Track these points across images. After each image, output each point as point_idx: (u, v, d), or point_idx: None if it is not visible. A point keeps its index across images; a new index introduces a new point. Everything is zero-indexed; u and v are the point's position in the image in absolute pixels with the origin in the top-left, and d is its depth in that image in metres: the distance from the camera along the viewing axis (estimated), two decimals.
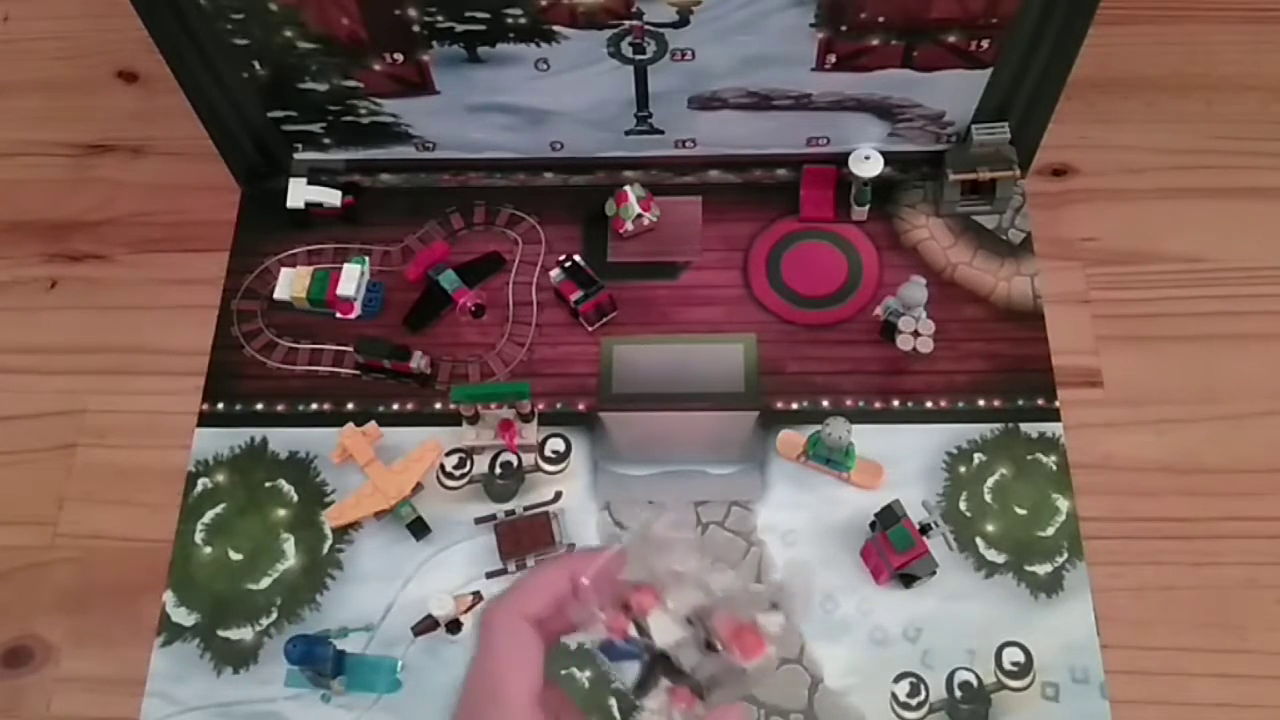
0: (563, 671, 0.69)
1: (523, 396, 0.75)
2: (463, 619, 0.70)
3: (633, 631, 0.40)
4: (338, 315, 0.82)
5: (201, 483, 0.77)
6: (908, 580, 0.71)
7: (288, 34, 0.73)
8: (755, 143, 0.83)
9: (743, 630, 0.40)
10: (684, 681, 0.40)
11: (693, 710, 0.40)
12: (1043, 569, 0.72)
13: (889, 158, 0.81)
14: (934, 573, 0.70)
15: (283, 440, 0.78)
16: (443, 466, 0.76)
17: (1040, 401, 0.77)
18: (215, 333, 0.82)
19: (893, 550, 0.68)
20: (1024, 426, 0.76)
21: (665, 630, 0.40)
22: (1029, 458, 0.75)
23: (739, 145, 0.84)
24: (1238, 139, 0.87)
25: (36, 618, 0.73)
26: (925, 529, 0.69)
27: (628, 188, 0.83)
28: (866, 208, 0.83)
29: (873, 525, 0.71)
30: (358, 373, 0.80)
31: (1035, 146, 0.83)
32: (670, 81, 0.77)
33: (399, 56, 0.75)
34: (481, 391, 0.77)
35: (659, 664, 0.40)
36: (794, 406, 0.78)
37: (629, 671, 0.41)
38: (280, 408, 0.79)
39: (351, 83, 0.77)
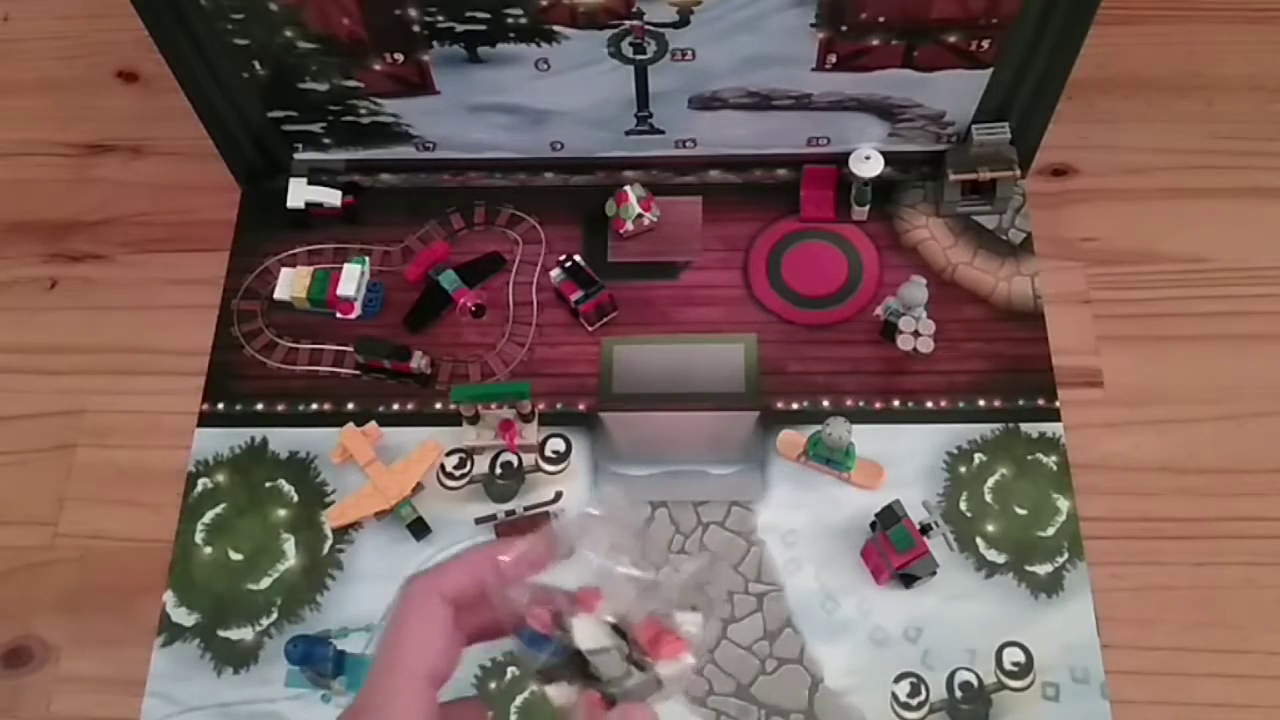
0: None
1: (523, 396, 0.75)
2: None
3: (554, 629, 0.39)
4: (338, 315, 0.82)
5: (202, 483, 0.77)
6: (908, 580, 0.71)
7: (288, 34, 0.73)
8: (755, 143, 0.83)
9: (662, 634, 0.40)
10: (596, 688, 0.39)
11: (601, 714, 0.39)
12: (1043, 569, 0.72)
13: (889, 158, 0.81)
14: (934, 573, 0.70)
15: (283, 440, 0.78)
16: (443, 466, 0.76)
17: (1040, 401, 0.77)
18: (215, 333, 0.82)
19: (893, 550, 0.68)
20: (1024, 426, 0.76)
21: (588, 635, 0.39)
22: (1029, 458, 0.75)
23: (739, 145, 0.84)
24: (1238, 139, 0.87)
25: (36, 618, 0.73)
26: (925, 529, 0.69)
27: (628, 188, 0.83)
28: (867, 208, 0.83)
29: (873, 525, 0.71)
30: (358, 373, 0.80)
31: (1035, 146, 0.83)
32: (670, 81, 0.77)
33: (399, 56, 0.75)
34: (481, 391, 0.76)
35: (573, 662, 0.39)
36: (794, 406, 0.78)
37: (538, 659, 0.40)
38: (280, 408, 0.79)
39: (351, 83, 0.77)
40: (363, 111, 0.80)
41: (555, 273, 0.81)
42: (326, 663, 0.68)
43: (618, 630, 0.40)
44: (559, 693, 0.39)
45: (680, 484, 0.75)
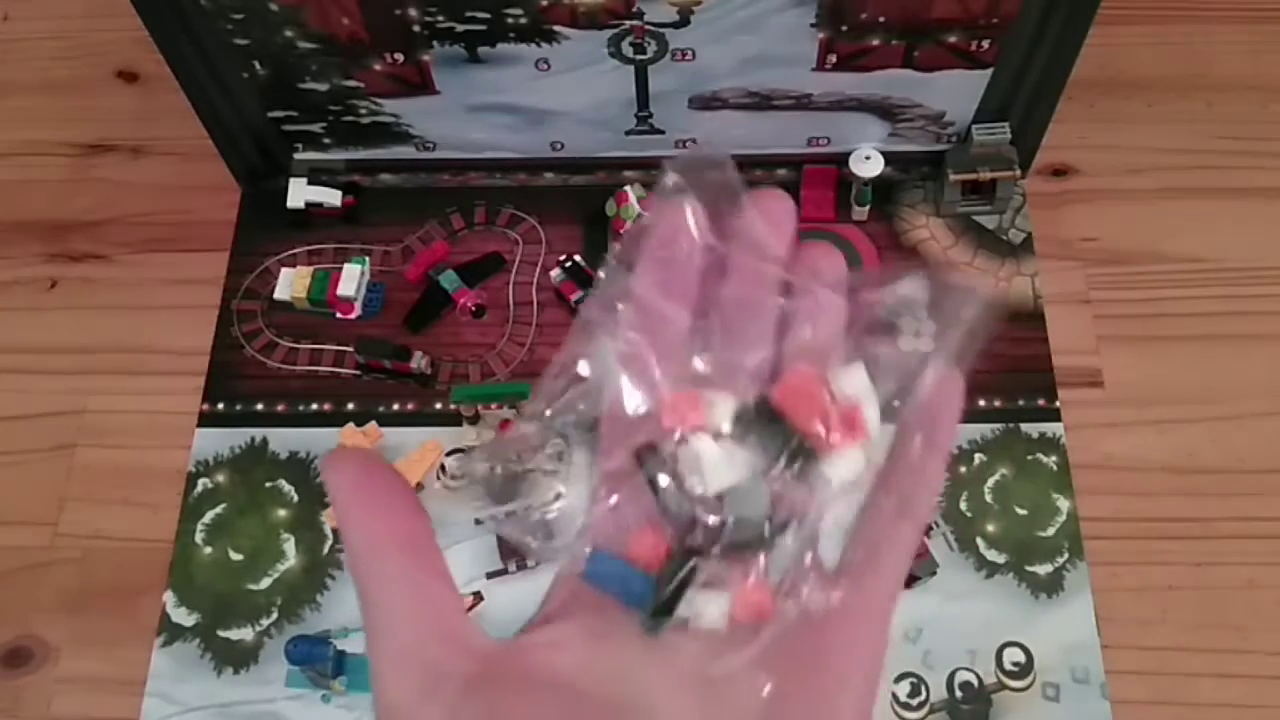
0: None
1: (523, 397, 0.75)
2: None
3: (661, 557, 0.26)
4: (338, 315, 0.82)
5: (201, 483, 0.76)
6: (908, 580, 0.71)
7: (288, 34, 0.73)
8: (755, 143, 0.83)
9: (823, 402, 0.26)
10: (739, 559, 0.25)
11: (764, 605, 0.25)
12: (1043, 569, 0.72)
13: (889, 158, 0.81)
14: (934, 573, 0.70)
15: (283, 440, 0.78)
16: (443, 466, 0.76)
17: (1041, 401, 0.77)
18: (215, 333, 0.82)
19: None
20: (1024, 426, 0.76)
21: (714, 467, 0.26)
22: (1029, 458, 0.75)
23: (739, 145, 0.84)
24: (1238, 139, 0.87)
25: (36, 618, 0.73)
26: (926, 529, 0.69)
27: (628, 188, 0.83)
28: (867, 208, 0.83)
29: None
30: (358, 373, 0.80)
31: (1035, 146, 0.83)
32: (671, 81, 0.77)
33: (399, 56, 0.74)
34: (482, 392, 0.76)
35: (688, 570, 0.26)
36: None
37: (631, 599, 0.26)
38: (280, 408, 0.79)
39: (351, 83, 0.77)
40: (363, 111, 0.80)
41: (555, 273, 0.81)
42: (326, 663, 0.68)
43: (756, 421, 0.26)
44: (712, 610, 0.26)
45: None
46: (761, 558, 0.26)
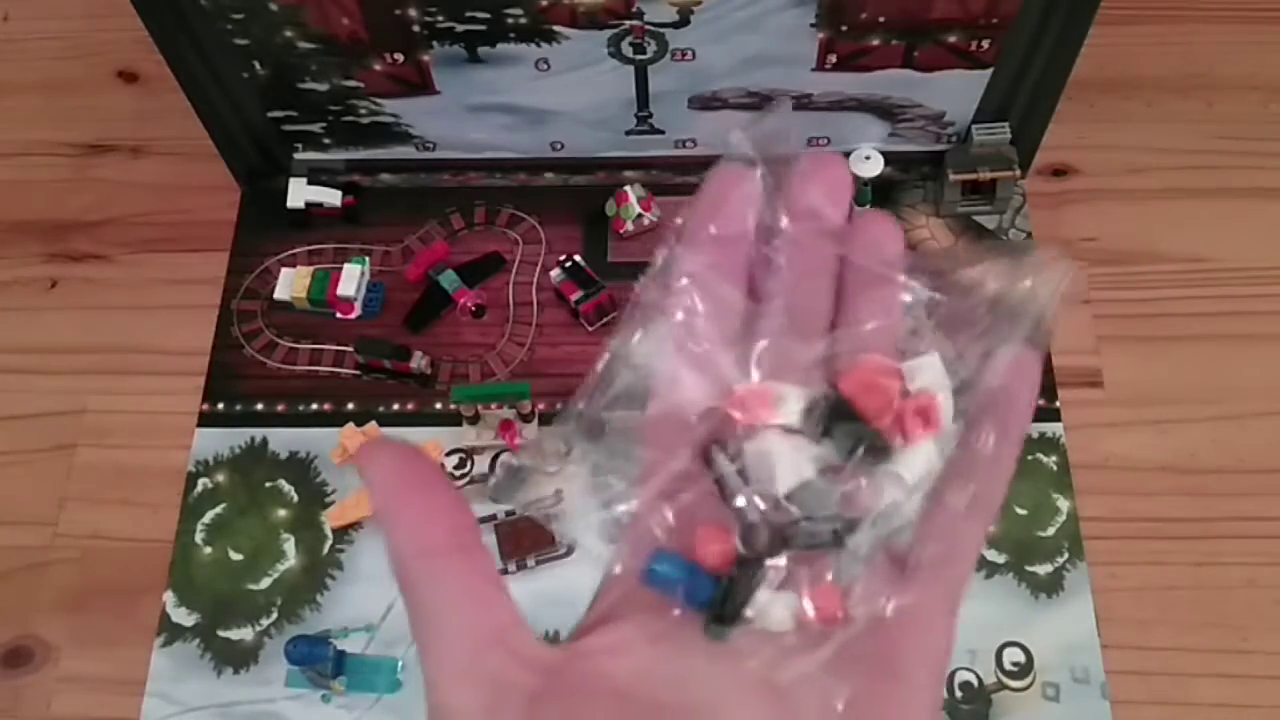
0: None
1: (523, 397, 0.75)
2: None
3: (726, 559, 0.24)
4: (338, 315, 0.82)
5: (201, 483, 0.76)
6: None
7: (288, 34, 0.73)
8: None
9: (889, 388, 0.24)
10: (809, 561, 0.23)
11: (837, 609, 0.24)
12: (1043, 569, 0.72)
13: (889, 158, 0.81)
14: None
15: (283, 440, 0.78)
16: (443, 466, 0.76)
17: (1040, 401, 0.77)
18: (215, 333, 0.82)
19: None
20: None
21: (785, 464, 0.24)
22: (1029, 458, 0.75)
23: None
24: (1238, 139, 0.87)
25: (36, 618, 0.73)
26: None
27: (628, 188, 0.83)
28: (867, 208, 0.83)
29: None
30: (358, 373, 0.80)
31: (1035, 146, 0.83)
32: (670, 81, 0.77)
33: (399, 56, 0.75)
34: (481, 392, 0.77)
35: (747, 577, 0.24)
36: None
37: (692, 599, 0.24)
38: (280, 408, 0.79)
39: (351, 83, 0.77)
40: (363, 111, 0.80)
41: (555, 273, 0.81)
42: (326, 663, 0.68)
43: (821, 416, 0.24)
44: (778, 611, 0.24)
45: None
46: (831, 559, 0.25)
